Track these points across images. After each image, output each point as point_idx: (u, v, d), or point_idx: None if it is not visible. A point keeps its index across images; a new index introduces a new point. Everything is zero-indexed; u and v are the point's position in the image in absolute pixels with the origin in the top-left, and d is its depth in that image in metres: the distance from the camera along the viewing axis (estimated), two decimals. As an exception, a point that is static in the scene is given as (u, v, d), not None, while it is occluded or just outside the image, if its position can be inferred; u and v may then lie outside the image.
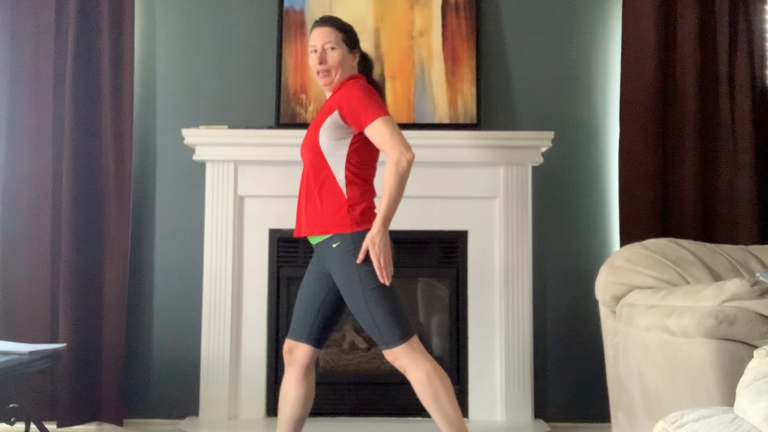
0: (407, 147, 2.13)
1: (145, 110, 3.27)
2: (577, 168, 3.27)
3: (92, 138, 3.15)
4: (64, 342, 2.97)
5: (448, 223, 3.15)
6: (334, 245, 2.17)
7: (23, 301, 3.10)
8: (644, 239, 2.50)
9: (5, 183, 3.14)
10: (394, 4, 3.25)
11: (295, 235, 2.31)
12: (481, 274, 3.13)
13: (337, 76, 2.28)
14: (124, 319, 3.08)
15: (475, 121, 3.18)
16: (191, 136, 3.07)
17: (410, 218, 3.13)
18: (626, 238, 3.06)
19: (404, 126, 3.16)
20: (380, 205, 2.16)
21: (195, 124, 3.21)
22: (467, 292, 3.13)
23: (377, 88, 2.36)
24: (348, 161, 2.20)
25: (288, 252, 3.15)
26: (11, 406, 2.46)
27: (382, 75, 3.21)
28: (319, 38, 2.28)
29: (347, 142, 2.20)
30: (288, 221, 3.07)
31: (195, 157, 3.11)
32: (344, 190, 2.19)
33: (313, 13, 3.24)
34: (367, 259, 2.13)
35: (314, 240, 2.26)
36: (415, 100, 3.21)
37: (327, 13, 3.23)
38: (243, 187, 3.13)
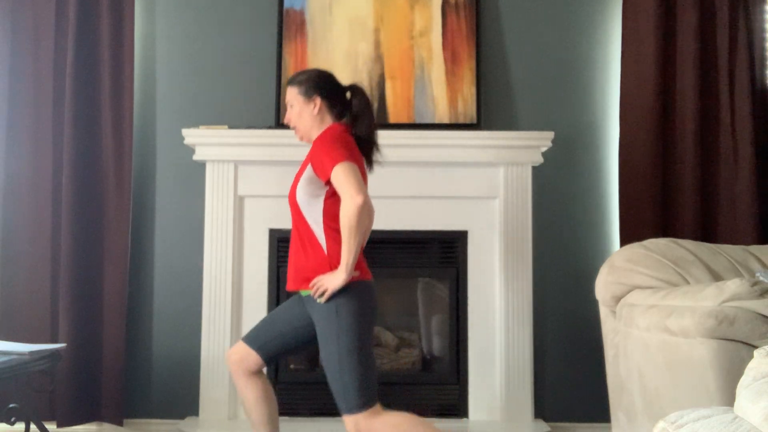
0: (358, 191, 2.05)
1: (145, 110, 3.27)
2: (577, 168, 3.27)
3: (92, 138, 3.15)
4: (64, 342, 2.97)
5: (448, 223, 3.14)
6: (319, 299, 2.15)
7: (23, 301, 3.10)
8: (644, 239, 2.50)
9: (5, 183, 3.14)
10: (394, 4, 3.25)
11: (287, 288, 2.28)
12: (481, 274, 3.13)
13: (304, 130, 2.29)
14: (124, 319, 3.08)
15: (475, 121, 3.18)
16: (191, 136, 3.07)
17: (410, 218, 3.13)
18: (626, 238, 3.06)
19: (404, 126, 3.17)
20: (342, 253, 2.11)
21: (195, 124, 3.21)
22: (467, 292, 3.13)
23: (365, 125, 2.27)
24: (325, 215, 2.18)
25: (288, 252, 3.14)
26: (11, 406, 2.47)
27: (382, 75, 3.21)
28: (285, 98, 2.34)
29: (322, 196, 2.19)
30: (288, 221, 3.06)
31: (195, 157, 3.11)
32: (324, 245, 2.18)
33: (313, 13, 3.24)
34: (349, 317, 2.11)
35: (303, 293, 2.24)
36: (415, 100, 3.21)
37: (327, 13, 3.23)
38: (243, 187, 3.13)
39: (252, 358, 2.28)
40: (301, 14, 3.25)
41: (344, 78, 3.23)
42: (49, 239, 3.11)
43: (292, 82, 2.32)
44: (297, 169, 2.32)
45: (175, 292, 3.20)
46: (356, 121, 2.28)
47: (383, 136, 3.00)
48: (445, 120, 3.19)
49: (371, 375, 2.13)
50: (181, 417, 3.14)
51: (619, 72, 3.24)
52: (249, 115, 3.23)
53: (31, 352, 2.44)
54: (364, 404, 2.09)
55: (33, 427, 2.56)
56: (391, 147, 3.03)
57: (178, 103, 3.27)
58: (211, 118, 3.24)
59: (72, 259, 3.06)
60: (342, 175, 2.08)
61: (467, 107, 3.19)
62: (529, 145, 3.09)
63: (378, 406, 2.12)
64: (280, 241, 3.14)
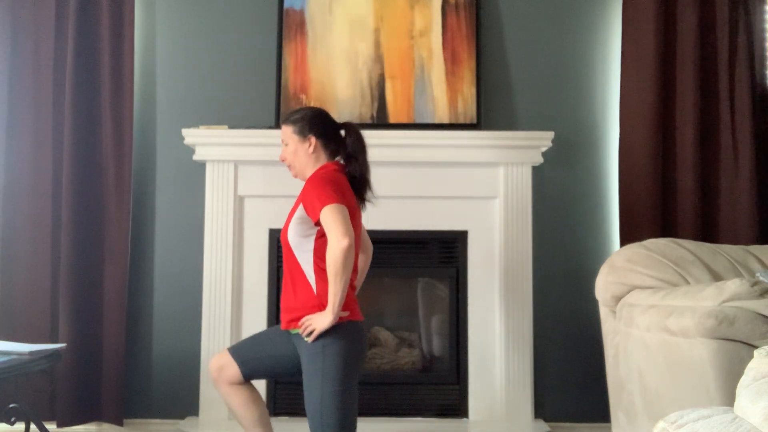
0: (344, 234, 2.06)
1: (145, 110, 3.27)
2: (577, 168, 3.27)
3: (92, 138, 3.15)
4: (64, 342, 2.97)
5: (448, 223, 3.14)
6: (306, 339, 2.15)
7: (23, 301, 3.10)
8: (644, 239, 2.50)
9: (5, 183, 3.14)
10: (394, 4, 3.25)
11: (281, 328, 2.27)
12: (481, 274, 3.13)
13: (299, 168, 2.31)
14: (124, 319, 3.08)
15: (475, 121, 3.18)
16: (191, 136, 3.07)
17: (410, 218, 3.13)
18: (626, 238, 3.06)
19: (404, 126, 3.17)
20: (329, 294, 2.11)
21: (195, 124, 3.20)
22: (467, 292, 3.13)
23: (358, 164, 2.28)
24: (315, 256, 2.19)
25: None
26: (11, 406, 2.46)
27: (382, 75, 3.21)
28: (280, 136, 2.36)
29: (313, 236, 2.19)
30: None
31: (195, 157, 3.11)
32: (313, 286, 2.18)
33: (313, 13, 3.24)
34: (335, 357, 2.11)
35: (293, 332, 2.24)
36: (415, 100, 3.21)
37: (327, 13, 3.23)
38: (243, 187, 3.13)
39: (233, 369, 2.27)
40: (301, 14, 3.25)
41: (344, 78, 3.24)
42: (49, 239, 3.11)
43: (286, 121, 2.33)
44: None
45: (175, 292, 3.20)
46: (350, 159, 2.30)
47: (383, 136, 3.03)
48: (445, 120, 3.19)
49: (351, 418, 2.14)
50: (181, 417, 3.14)
51: (619, 72, 3.24)
52: (249, 115, 3.23)
53: (31, 352, 2.44)
54: None
55: (33, 427, 2.55)
56: (391, 147, 3.05)
57: (178, 103, 3.27)
58: (211, 118, 3.23)
59: (72, 259, 3.06)
60: (330, 217, 2.09)
61: (467, 107, 3.19)
62: (529, 145, 3.09)
63: None
64: (279, 241, 3.13)
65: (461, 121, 3.18)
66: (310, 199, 2.16)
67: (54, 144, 3.14)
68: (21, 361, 2.39)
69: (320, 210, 2.11)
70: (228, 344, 3.04)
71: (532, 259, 3.14)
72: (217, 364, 2.31)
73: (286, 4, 3.25)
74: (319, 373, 2.12)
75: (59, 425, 3.03)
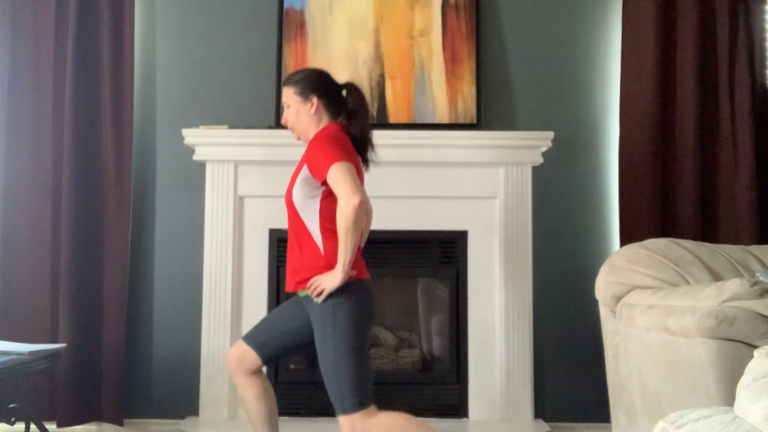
0: (354, 191, 2.04)
1: (145, 110, 3.27)
2: (577, 168, 3.27)
3: (92, 138, 3.15)
4: (64, 342, 2.97)
5: (448, 223, 3.15)
6: (316, 299, 2.15)
7: (23, 301, 3.10)
8: (644, 239, 2.50)
9: (5, 183, 3.14)
10: (394, 4, 3.25)
11: (287, 290, 2.28)
12: (481, 274, 3.13)
13: (302, 130, 2.30)
14: (124, 319, 3.08)
15: (474, 121, 3.18)
16: (191, 136, 3.07)
17: (410, 218, 3.13)
18: (626, 238, 3.06)
19: (404, 126, 3.17)
20: (339, 252, 2.11)
21: (195, 124, 3.21)
22: (467, 292, 3.13)
23: (359, 124, 2.27)
24: (321, 216, 2.18)
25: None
26: (11, 406, 2.46)
27: (382, 75, 3.21)
28: (282, 99, 2.35)
29: (318, 197, 2.19)
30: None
31: (195, 157, 3.11)
32: (320, 246, 2.18)
33: (313, 13, 3.24)
34: (346, 316, 2.11)
35: (301, 293, 2.24)
36: (415, 100, 3.21)
37: (327, 14, 3.23)
38: (243, 187, 3.13)
39: (251, 357, 2.29)
40: (301, 14, 3.25)
41: (344, 78, 3.23)
42: (49, 239, 3.11)
43: (287, 82, 2.32)
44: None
45: (175, 292, 3.20)
46: (352, 119, 2.28)
47: (383, 136, 3.03)
48: (445, 120, 3.19)
49: (366, 375, 2.13)
50: (181, 417, 3.14)
51: (619, 72, 3.24)
52: (249, 115, 3.23)
53: (31, 352, 2.44)
54: (359, 404, 2.09)
55: (33, 427, 2.55)
56: (391, 147, 3.05)
57: (178, 103, 3.27)
58: (211, 118, 3.24)
59: (72, 259, 3.06)
60: (338, 175, 2.08)
61: (467, 107, 3.19)
62: (529, 145, 3.09)
63: (373, 407, 2.12)
64: (280, 241, 3.14)
65: (461, 121, 3.18)
66: (316, 159, 2.14)
67: (54, 144, 3.14)
68: (21, 361, 2.39)
69: (327, 169, 2.09)
70: (228, 344, 3.04)
71: (532, 259, 3.14)
72: (234, 356, 2.31)
73: (286, 4, 3.25)
74: (331, 333, 2.11)
75: (59, 425, 3.03)
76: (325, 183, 2.14)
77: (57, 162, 3.14)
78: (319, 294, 2.12)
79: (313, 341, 2.23)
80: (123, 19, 3.17)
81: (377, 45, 3.23)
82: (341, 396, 2.10)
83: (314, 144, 2.19)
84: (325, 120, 2.29)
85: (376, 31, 3.24)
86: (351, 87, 2.32)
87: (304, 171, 2.20)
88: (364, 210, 2.07)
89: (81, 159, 3.11)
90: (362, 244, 2.34)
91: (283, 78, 3.18)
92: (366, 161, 2.33)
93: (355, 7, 3.25)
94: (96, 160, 3.15)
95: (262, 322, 2.35)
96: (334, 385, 2.11)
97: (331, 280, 2.10)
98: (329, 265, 2.15)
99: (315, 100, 2.27)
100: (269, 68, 3.25)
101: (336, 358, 2.10)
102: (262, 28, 3.28)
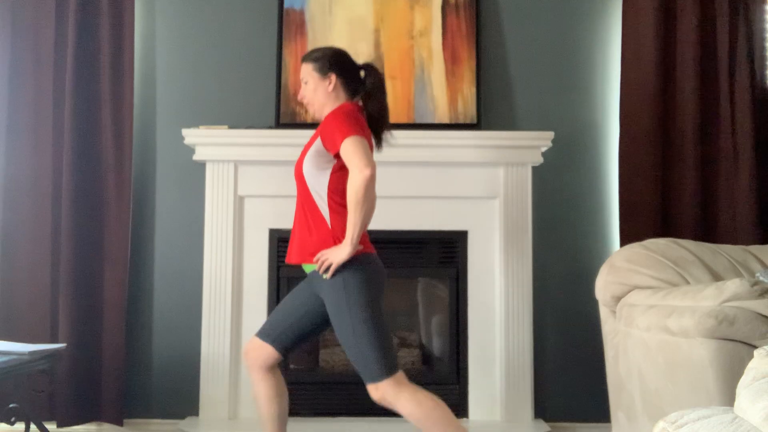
0: (366, 164, 2.06)
1: (145, 110, 3.27)
2: (577, 168, 3.27)
3: (92, 138, 3.15)
4: (64, 342, 2.97)
5: (448, 223, 3.14)
6: (324, 274, 2.15)
7: (23, 301, 3.10)
8: (644, 239, 2.50)
9: (5, 183, 3.14)
10: (394, 4, 3.25)
11: (287, 261, 2.28)
12: (481, 274, 3.13)
13: (318, 106, 2.31)
14: (124, 319, 3.08)
15: (475, 121, 3.18)
16: (191, 136, 3.07)
17: (410, 218, 3.13)
18: (626, 238, 3.06)
19: (404, 126, 3.17)
20: (347, 225, 2.12)
21: (195, 124, 3.21)
22: (467, 292, 3.13)
23: (377, 103, 2.29)
24: (330, 190, 2.19)
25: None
26: (11, 406, 2.47)
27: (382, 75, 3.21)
28: (300, 74, 2.37)
29: (329, 170, 2.20)
30: (288, 221, 3.06)
31: (195, 157, 3.11)
32: (328, 220, 2.18)
33: (313, 13, 3.24)
34: (357, 288, 2.11)
35: (307, 268, 2.25)
36: (415, 100, 3.21)
37: (327, 14, 3.23)
38: (243, 187, 3.13)
39: (268, 352, 2.28)
40: (301, 14, 3.25)
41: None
42: (49, 239, 3.11)
43: (307, 58, 2.34)
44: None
45: (175, 292, 3.20)
46: (369, 99, 2.30)
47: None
48: (445, 120, 3.19)
49: (388, 342, 2.13)
50: (181, 417, 3.14)
51: (619, 72, 3.24)
52: (249, 115, 3.23)
53: (31, 352, 2.44)
54: (387, 372, 2.09)
55: (33, 427, 2.56)
56: (391, 147, 3.03)
57: (178, 103, 3.27)
58: (211, 118, 3.24)
59: (72, 259, 3.06)
60: (351, 148, 2.09)
61: (467, 107, 3.19)
62: (529, 145, 3.09)
63: (401, 374, 2.12)
64: (280, 241, 3.14)
65: (461, 121, 3.18)
66: (330, 131, 2.15)
67: (54, 144, 3.14)
68: (21, 361, 2.39)
69: (341, 141, 2.11)
70: (228, 344, 3.05)
71: (532, 259, 3.14)
72: (252, 352, 2.31)
73: (286, 5, 3.25)
74: (345, 306, 2.11)
75: (59, 425, 3.03)
76: (337, 156, 2.16)
77: (57, 162, 3.14)
78: (327, 269, 2.11)
79: (328, 320, 2.23)
80: (123, 19, 3.17)
81: (377, 45, 3.23)
82: (367, 366, 2.10)
83: (330, 117, 2.21)
84: (342, 98, 2.30)
85: (376, 31, 3.24)
86: (370, 67, 2.34)
87: (317, 143, 2.21)
88: (374, 184, 2.08)
89: (81, 159, 3.11)
90: (368, 223, 2.34)
91: (284, 78, 3.19)
92: (380, 142, 2.34)
93: (355, 7, 3.25)
94: (96, 160, 3.15)
95: (274, 314, 2.34)
96: (357, 357, 2.11)
97: (338, 254, 2.10)
98: (336, 239, 2.15)
99: (333, 77, 2.29)
100: (269, 68, 3.25)
101: (355, 333, 2.10)
102: (262, 28, 3.28)
